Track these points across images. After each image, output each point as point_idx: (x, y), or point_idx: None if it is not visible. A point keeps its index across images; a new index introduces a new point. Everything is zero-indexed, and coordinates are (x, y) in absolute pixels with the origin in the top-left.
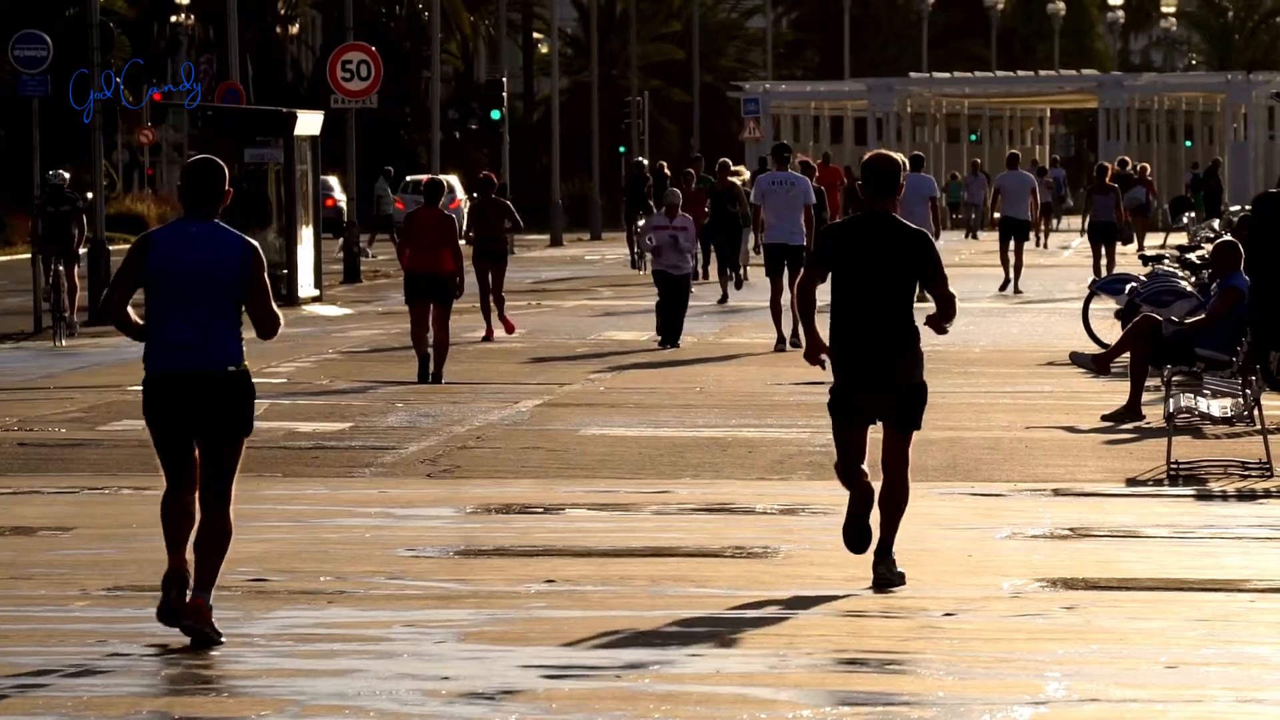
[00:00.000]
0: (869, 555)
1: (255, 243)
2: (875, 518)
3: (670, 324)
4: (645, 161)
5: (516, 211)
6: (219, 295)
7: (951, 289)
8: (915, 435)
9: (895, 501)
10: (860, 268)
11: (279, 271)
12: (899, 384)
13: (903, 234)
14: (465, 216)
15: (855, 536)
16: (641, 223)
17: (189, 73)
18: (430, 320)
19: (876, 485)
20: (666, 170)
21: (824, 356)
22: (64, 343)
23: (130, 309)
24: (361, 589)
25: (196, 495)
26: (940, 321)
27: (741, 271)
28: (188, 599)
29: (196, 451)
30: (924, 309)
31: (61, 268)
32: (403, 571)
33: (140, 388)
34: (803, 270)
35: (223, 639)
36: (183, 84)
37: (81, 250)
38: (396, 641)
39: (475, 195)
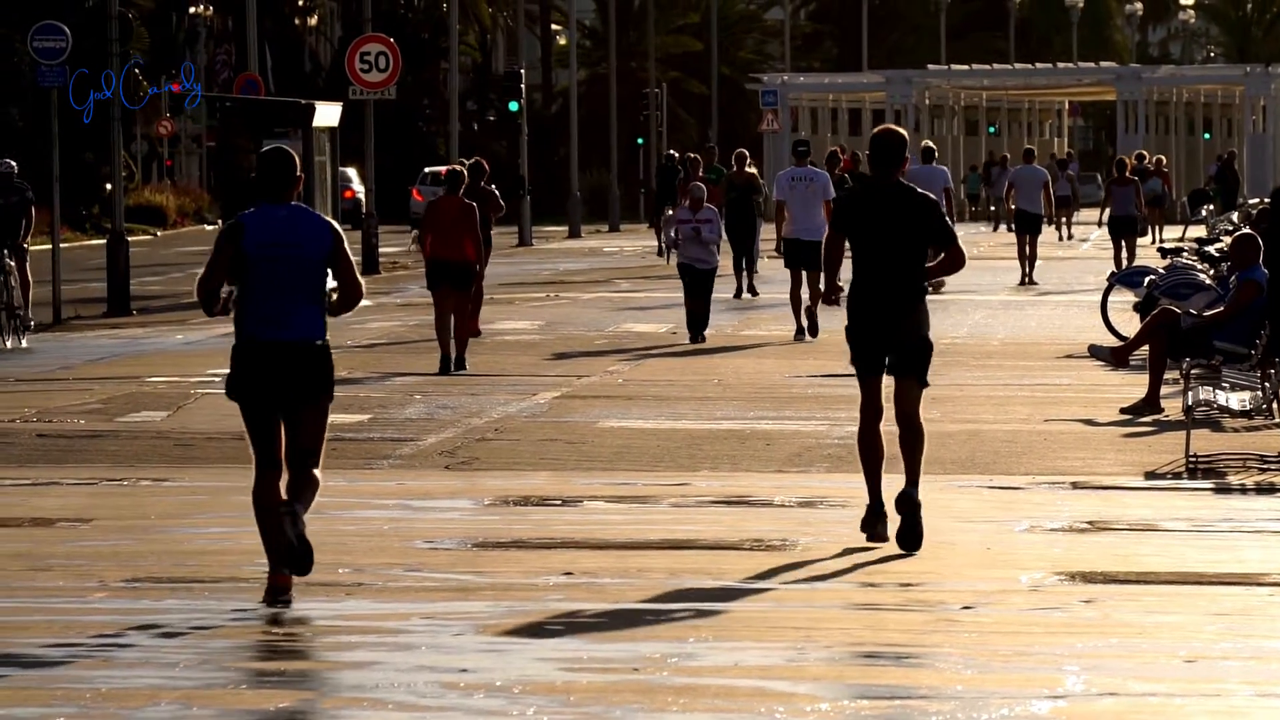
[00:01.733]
0: (885, 551)
1: (335, 222)
2: (890, 511)
3: (696, 318)
4: (676, 154)
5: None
6: (309, 273)
7: (962, 246)
8: (933, 428)
9: (913, 442)
10: (873, 232)
11: None
12: (908, 339)
13: (912, 199)
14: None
15: (873, 524)
16: (669, 213)
17: (189, 73)
18: (450, 308)
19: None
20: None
21: (835, 299)
22: (23, 342)
23: (223, 289)
24: (379, 581)
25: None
26: (938, 274)
27: (755, 268)
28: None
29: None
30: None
31: (13, 262)
32: (420, 564)
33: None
34: (828, 230)
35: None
36: (184, 84)
37: (27, 244)
38: (414, 634)
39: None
